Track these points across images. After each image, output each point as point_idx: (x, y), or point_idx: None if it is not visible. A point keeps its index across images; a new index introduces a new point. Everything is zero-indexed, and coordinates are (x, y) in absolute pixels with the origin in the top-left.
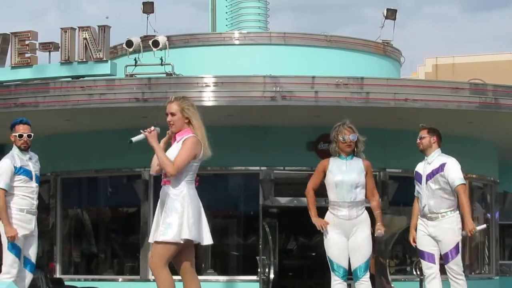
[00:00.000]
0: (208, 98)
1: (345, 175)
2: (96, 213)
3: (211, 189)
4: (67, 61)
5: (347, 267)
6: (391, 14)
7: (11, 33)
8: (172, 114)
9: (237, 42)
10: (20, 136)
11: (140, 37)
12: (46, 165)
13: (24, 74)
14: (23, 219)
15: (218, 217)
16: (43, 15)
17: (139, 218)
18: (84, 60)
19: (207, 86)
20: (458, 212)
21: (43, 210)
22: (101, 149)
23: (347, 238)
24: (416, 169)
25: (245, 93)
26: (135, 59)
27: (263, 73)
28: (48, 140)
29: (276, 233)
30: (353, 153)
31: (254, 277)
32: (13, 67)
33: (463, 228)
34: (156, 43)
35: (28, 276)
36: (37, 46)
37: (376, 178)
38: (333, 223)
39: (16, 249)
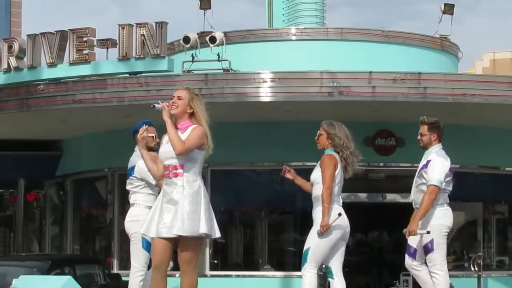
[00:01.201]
0: (265, 93)
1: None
2: None
3: (268, 184)
4: (124, 58)
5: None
6: (449, 9)
7: (69, 30)
8: (179, 98)
9: (294, 37)
10: (153, 137)
11: (197, 33)
12: (103, 161)
13: (82, 70)
14: None
15: (275, 212)
16: (103, 12)
17: None
18: (141, 56)
19: (264, 81)
20: (440, 208)
21: (100, 206)
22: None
23: None
24: None
25: (302, 89)
26: (192, 55)
27: (320, 69)
28: (106, 136)
29: None
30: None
31: None
32: (71, 64)
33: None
34: (213, 39)
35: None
36: (95, 43)
37: None
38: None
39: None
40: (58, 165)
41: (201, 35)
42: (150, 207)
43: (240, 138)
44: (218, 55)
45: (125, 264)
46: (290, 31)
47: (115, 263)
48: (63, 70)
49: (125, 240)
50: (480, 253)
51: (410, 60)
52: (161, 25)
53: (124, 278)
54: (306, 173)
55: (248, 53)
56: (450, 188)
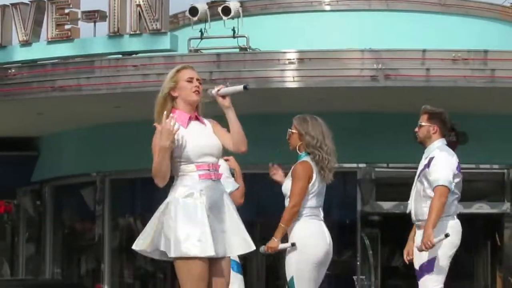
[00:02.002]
0: (292, 78)
1: None
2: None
3: None
4: (116, 34)
5: None
6: None
7: None
8: (200, 82)
9: (327, 7)
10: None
11: (207, 3)
12: (91, 163)
13: (64, 50)
14: None
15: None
16: None
17: None
18: (137, 32)
19: (290, 63)
20: (449, 220)
21: (87, 219)
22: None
23: None
24: None
25: (338, 72)
26: (200, 31)
27: (360, 47)
28: (93, 131)
29: (378, 247)
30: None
31: None
32: (49, 42)
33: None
34: (227, 10)
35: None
36: (79, 16)
37: (504, 177)
38: None
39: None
40: (34, 168)
41: (212, 5)
42: None
43: (259, 134)
44: (233, 30)
45: None
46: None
47: None
48: (40, 50)
49: (117, 261)
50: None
51: (474, 35)
52: None
53: None
54: (343, 176)
55: (270, 27)
56: (459, 193)
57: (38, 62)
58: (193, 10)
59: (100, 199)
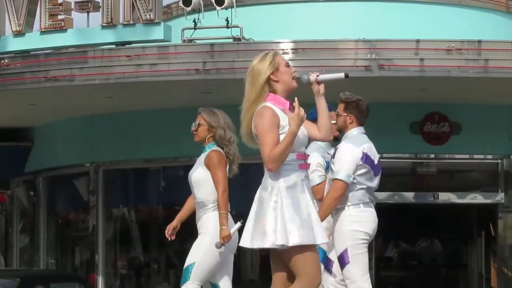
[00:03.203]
0: None
1: None
2: (147, 213)
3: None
4: (109, 24)
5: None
6: None
7: None
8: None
9: None
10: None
11: None
12: (84, 153)
13: (57, 40)
14: None
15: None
16: None
17: None
18: (130, 22)
19: (284, 53)
20: (354, 209)
21: (81, 209)
22: (153, 133)
23: None
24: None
25: (332, 62)
26: (194, 21)
27: (354, 37)
28: (87, 122)
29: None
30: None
31: None
32: (42, 32)
33: None
34: (220, 1)
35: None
36: (72, 6)
37: (498, 168)
38: None
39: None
40: (28, 159)
41: None
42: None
43: None
44: (227, 20)
45: (111, 282)
46: None
47: (100, 280)
48: (33, 41)
49: (111, 251)
50: None
51: (468, 25)
52: None
53: None
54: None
55: (264, 17)
56: (373, 184)
57: (31, 52)
58: (187, 1)
59: (93, 190)
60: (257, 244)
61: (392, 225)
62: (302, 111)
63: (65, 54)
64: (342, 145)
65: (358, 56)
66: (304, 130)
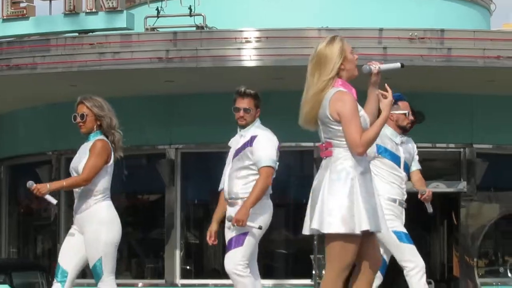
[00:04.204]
0: (249, 57)
1: None
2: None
3: None
4: (72, 12)
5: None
6: None
7: None
8: None
9: None
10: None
11: None
12: (46, 142)
13: (19, 28)
14: None
15: None
16: None
17: (163, 207)
18: (93, 10)
19: (247, 42)
20: (266, 200)
21: (43, 198)
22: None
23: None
24: (229, 144)
25: (296, 50)
26: (157, 9)
27: (318, 25)
28: (49, 110)
29: None
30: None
31: (308, 281)
32: (4, 20)
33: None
34: None
35: None
36: None
37: (460, 156)
38: None
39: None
40: None
41: None
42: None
43: (217, 113)
44: (190, 8)
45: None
46: None
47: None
48: None
49: None
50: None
51: (431, 14)
52: None
53: None
54: (300, 154)
55: (227, 5)
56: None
57: None
58: None
59: (55, 178)
60: (338, 228)
61: None
62: (391, 97)
63: (28, 42)
64: (262, 133)
65: None
66: (366, 116)
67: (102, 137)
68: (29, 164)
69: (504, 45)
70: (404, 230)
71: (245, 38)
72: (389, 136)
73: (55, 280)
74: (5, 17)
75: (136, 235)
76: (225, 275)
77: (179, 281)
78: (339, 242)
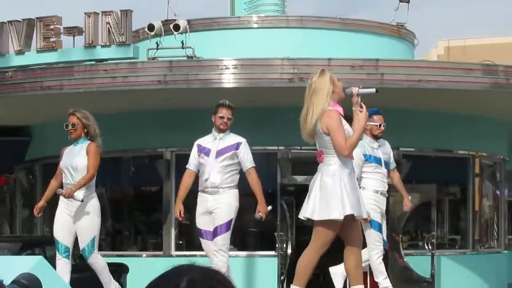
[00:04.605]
0: (228, 80)
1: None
2: (120, 192)
3: None
4: (90, 45)
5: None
6: None
7: (36, 18)
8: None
9: (255, 25)
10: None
11: (162, 21)
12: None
13: (49, 58)
14: None
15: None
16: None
17: (161, 196)
18: (107, 44)
19: (226, 68)
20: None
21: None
22: (125, 130)
23: (72, 218)
24: (200, 143)
25: (263, 75)
26: (156, 43)
27: (281, 56)
28: None
29: (293, 210)
30: (86, 138)
31: (273, 252)
32: (38, 51)
33: None
34: (177, 27)
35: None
36: (61, 31)
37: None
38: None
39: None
40: (27, 150)
41: (165, 23)
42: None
43: (203, 123)
44: (182, 42)
45: None
46: (251, 19)
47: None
48: (31, 58)
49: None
50: (433, 233)
51: (368, 47)
52: (126, 13)
53: None
54: (267, 155)
55: (211, 40)
56: None
57: (29, 67)
58: (151, 27)
59: None
60: (323, 216)
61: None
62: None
63: (56, 69)
64: (243, 140)
65: (283, 70)
66: (349, 129)
67: (91, 141)
68: (57, 164)
69: (424, 71)
70: (379, 221)
71: (225, 65)
72: (368, 143)
73: (59, 256)
74: (38, 49)
75: (141, 218)
76: None
77: (174, 252)
78: (323, 226)
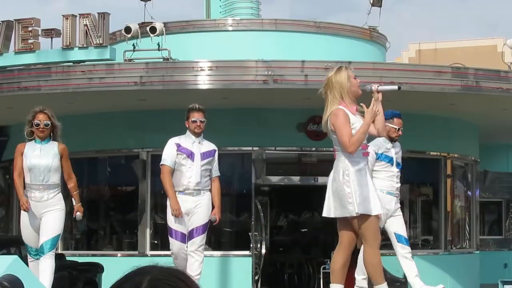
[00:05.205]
0: (203, 81)
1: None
2: (96, 192)
3: None
4: (68, 47)
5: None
6: (377, 1)
7: (15, 20)
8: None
9: (230, 28)
10: (195, 121)
11: (138, 24)
12: None
13: (27, 59)
14: None
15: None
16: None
17: (137, 196)
18: (84, 45)
19: (202, 70)
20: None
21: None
22: (101, 130)
23: (39, 218)
24: (178, 143)
25: (238, 77)
26: (133, 45)
27: (255, 58)
28: None
29: (268, 211)
30: (50, 137)
31: (247, 252)
32: (16, 53)
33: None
34: (153, 29)
35: None
36: (39, 33)
37: None
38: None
39: None
40: (4, 150)
41: (142, 25)
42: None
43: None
44: (158, 44)
45: (68, 244)
46: (226, 22)
47: (59, 243)
48: (9, 59)
49: (68, 221)
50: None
51: (341, 50)
52: (104, 15)
53: (67, 258)
54: (241, 155)
55: (187, 43)
56: None
57: (8, 68)
58: (128, 29)
59: None
60: (338, 214)
61: (283, 201)
62: (376, 108)
63: (34, 70)
64: (215, 148)
65: (258, 72)
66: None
67: (57, 143)
68: None
69: (396, 73)
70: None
71: (200, 67)
72: (382, 142)
73: (32, 258)
74: (17, 50)
75: (117, 217)
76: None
77: (149, 252)
78: (359, 222)
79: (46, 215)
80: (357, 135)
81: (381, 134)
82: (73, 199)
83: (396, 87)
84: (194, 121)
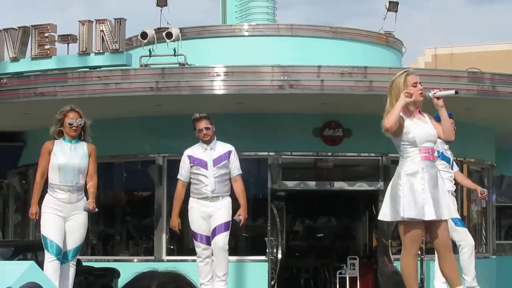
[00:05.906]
0: (219, 87)
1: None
2: (112, 197)
3: None
4: (84, 52)
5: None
6: (393, 6)
7: (31, 25)
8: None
9: (246, 33)
10: (200, 131)
11: (154, 29)
12: None
13: (44, 65)
14: None
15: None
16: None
17: (153, 201)
18: (101, 51)
19: (217, 75)
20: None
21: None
22: (117, 136)
23: (65, 218)
24: (191, 154)
25: (254, 82)
26: (149, 50)
27: (271, 63)
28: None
29: (284, 216)
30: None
31: (263, 257)
32: (33, 58)
33: None
34: (169, 35)
35: None
36: (56, 38)
37: (379, 162)
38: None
39: None
40: (21, 155)
41: (158, 31)
42: None
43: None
44: (174, 50)
45: (84, 249)
46: (242, 27)
47: None
48: (25, 65)
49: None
50: (422, 238)
51: (357, 55)
52: (120, 21)
53: (84, 263)
54: (257, 161)
55: (203, 48)
56: None
57: (24, 74)
58: (144, 35)
59: None
60: (391, 218)
61: (299, 206)
62: (404, 95)
63: (50, 75)
64: (232, 148)
65: (274, 77)
66: (430, 129)
67: (87, 143)
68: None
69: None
70: (458, 216)
71: (216, 72)
72: (439, 143)
73: (53, 257)
74: (33, 56)
75: (133, 222)
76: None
77: (165, 257)
78: (401, 226)
79: (72, 220)
80: (389, 114)
81: (448, 138)
82: (89, 195)
83: (453, 91)
84: (200, 131)
